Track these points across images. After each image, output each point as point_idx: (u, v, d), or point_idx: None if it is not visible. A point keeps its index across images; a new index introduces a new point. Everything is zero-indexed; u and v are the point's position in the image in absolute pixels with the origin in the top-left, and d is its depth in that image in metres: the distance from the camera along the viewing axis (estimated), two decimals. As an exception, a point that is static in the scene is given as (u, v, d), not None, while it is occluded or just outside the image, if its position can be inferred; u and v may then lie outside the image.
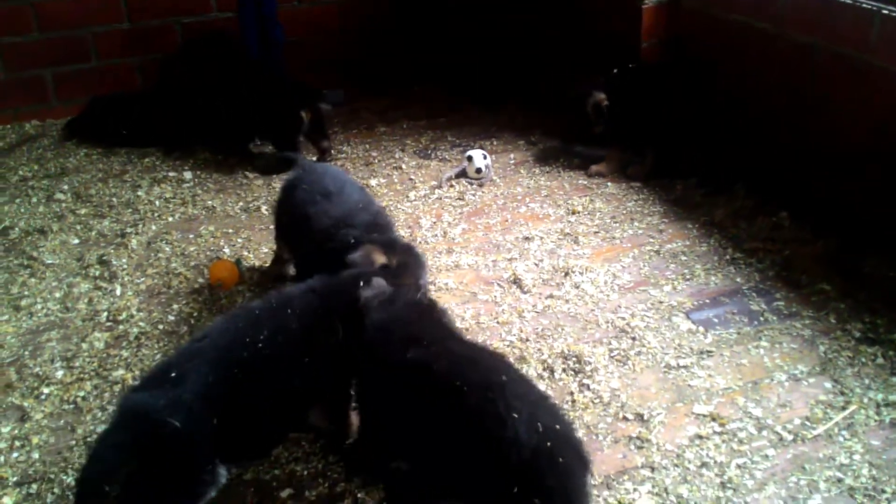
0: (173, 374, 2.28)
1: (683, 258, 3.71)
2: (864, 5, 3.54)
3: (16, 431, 2.85)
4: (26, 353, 3.28)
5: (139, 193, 4.55)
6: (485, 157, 4.56)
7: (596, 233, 3.96)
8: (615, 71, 4.52)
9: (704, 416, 2.78)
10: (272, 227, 4.10)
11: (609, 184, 4.44)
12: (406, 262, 2.81)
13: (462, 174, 4.57)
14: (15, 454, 2.76)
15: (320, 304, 2.54)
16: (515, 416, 2.02)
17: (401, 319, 2.46)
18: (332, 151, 4.93)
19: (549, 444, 2.01)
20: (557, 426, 2.07)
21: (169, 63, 5.46)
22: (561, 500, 1.99)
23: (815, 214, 3.86)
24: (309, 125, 4.73)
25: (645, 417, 2.78)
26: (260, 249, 3.93)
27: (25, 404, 2.98)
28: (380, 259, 2.76)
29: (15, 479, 2.65)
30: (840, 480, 2.50)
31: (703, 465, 2.59)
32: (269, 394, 2.39)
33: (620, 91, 4.44)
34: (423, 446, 2.23)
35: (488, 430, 2.03)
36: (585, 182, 4.48)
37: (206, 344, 2.40)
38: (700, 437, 2.69)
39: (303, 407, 2.59)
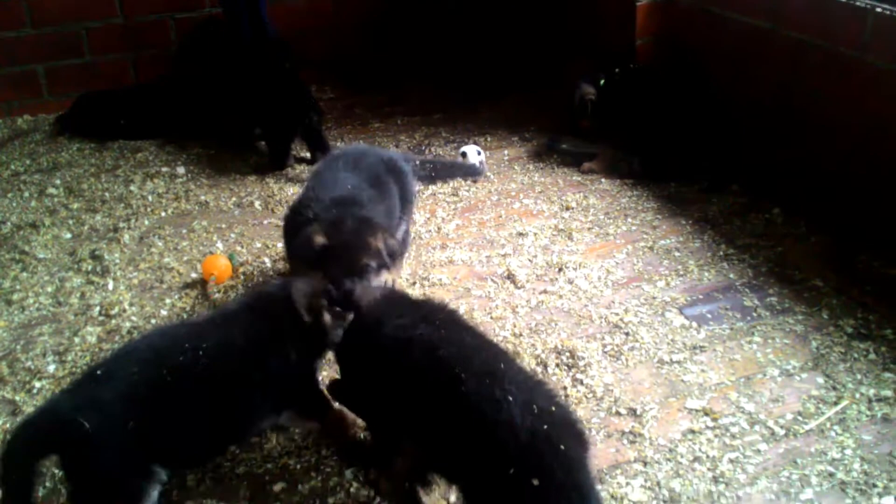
0: (99, 372, 2.26)
1: (677, 254, 3.71)
2: (858, 3, 3.54)
3: (7, 426, 2.84)
4: (18, 347, 3.26)
5: (132, 188, 4.54)
6: (479, 153, 4.56)
7: (590, 229, 3.96)
8: (616, 71, 4.52)
9: (697, 410, 2.79)
10: (266, 222, 4.12)
11: (603, 180, 4.44)
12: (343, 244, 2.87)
13: (456, 170, 4.56)
14: (6, 448, 2.75)
15: (259, 319, 2.49)
16: (510, 399, 2.04)
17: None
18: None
19: (545, 425, 2.02)
20: (553, 408, 2.08)
21: (181, 50, 5.42)
22: (560, 479, 1.99)
23: (808, 211, 3.88)
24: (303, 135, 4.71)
25: (638, 412, 2.79)
26: (253, 244, 3.92)
27: (17, 398, 2.97)
28: (319, 240, 2.86)
29: (6, 473, 2.64)
30: (832, 475, 2.51)
31: (696, 459, 2.59)
32: (206, 401, 2.34)
33: (617, 91, 4.44)
34: (425, 426, 2.25)
35: (485, 414, 2.05)
36: (579, 178, 4.48)
37: (143, 343, 2.39)
38: (693, 431, 2.70)
39: (253, 418, 2.50)
